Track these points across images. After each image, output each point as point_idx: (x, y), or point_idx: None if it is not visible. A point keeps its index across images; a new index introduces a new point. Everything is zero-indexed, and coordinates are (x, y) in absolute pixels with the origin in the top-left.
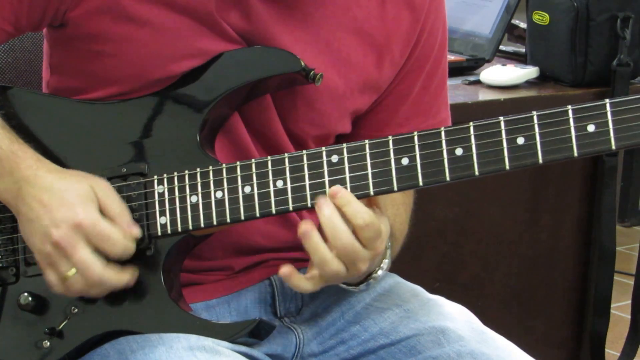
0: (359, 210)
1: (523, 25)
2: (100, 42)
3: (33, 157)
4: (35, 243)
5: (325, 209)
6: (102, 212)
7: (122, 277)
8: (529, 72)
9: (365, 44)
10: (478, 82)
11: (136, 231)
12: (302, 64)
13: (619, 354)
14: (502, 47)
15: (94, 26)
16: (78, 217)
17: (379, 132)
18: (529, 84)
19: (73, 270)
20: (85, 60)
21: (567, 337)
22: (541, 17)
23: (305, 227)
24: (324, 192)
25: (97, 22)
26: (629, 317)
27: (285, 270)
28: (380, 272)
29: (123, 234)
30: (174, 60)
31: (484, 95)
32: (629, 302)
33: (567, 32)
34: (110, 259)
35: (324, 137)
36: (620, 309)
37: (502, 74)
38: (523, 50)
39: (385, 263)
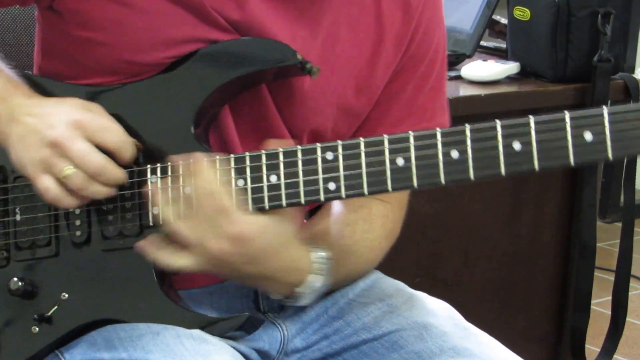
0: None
1: (504, 20)
2: (90, 29)
3: (26, 89)
4: (29, 155)
5: None
6: None
7: (118, 173)
8: (510, 67)
9: (359, 41)
10: (459, 78)
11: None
12: (299, 56)
13: (599, 350)
14: (483, 43)
15: (84, 11)
16: (75, 114)
17: (372, 133)
18: (509, 79)
19: (70, 168)
20: (76, 48)
21: (547, 332)
22: (522, 13)
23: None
24: (318, 189)
25: (87, 6)
26: (609, 313)
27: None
28: (307, 286)
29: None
30: (165, 47)
31: (465, 91)
32: (610, 298)
33: (548, 27)
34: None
35: (316, 134)
36: (600, 305)
37: (483, 69)
38: (504, 45)
39: (316, 278)
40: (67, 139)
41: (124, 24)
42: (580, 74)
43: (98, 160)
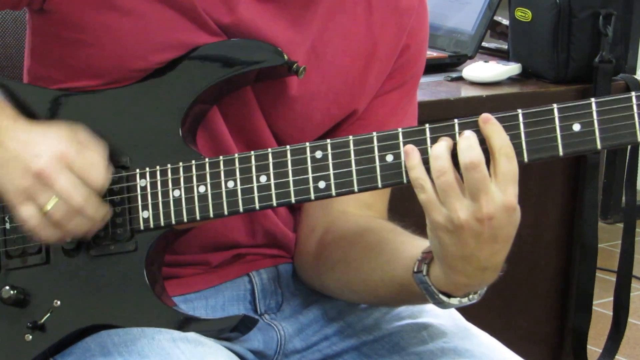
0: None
1: (505, 22)
2: (80, 31)
3: (12, 112)
4: (12, 180)
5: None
6: None
7: (102, 209)
8: (512, 68)
9: (352, 49)
10: (460, 79)
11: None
12: (286, 57)
13: (600, 351)
14: (484, 44)
15: (75, 13)
16: (61, 146)
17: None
18: (511, 80)
19: (53, 200)
20: (66, 50)
21: (549, 333)
22: (523, 14)
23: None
24: (308, 188)
25: (78, 8)
26: (611, 313)
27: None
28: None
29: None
30: (155, 52)
31: (467, 92)
32: (611, 298)
33: (550, 28)
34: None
35: (306, 138)
36: (602, 306)
37: (484, 70)
38: (505, 46)
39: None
40: (52, 171)
41: (114, 28)
42: (582, 75)
43: (83, 195)
